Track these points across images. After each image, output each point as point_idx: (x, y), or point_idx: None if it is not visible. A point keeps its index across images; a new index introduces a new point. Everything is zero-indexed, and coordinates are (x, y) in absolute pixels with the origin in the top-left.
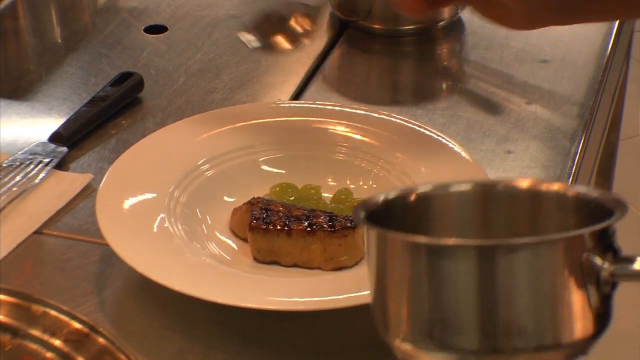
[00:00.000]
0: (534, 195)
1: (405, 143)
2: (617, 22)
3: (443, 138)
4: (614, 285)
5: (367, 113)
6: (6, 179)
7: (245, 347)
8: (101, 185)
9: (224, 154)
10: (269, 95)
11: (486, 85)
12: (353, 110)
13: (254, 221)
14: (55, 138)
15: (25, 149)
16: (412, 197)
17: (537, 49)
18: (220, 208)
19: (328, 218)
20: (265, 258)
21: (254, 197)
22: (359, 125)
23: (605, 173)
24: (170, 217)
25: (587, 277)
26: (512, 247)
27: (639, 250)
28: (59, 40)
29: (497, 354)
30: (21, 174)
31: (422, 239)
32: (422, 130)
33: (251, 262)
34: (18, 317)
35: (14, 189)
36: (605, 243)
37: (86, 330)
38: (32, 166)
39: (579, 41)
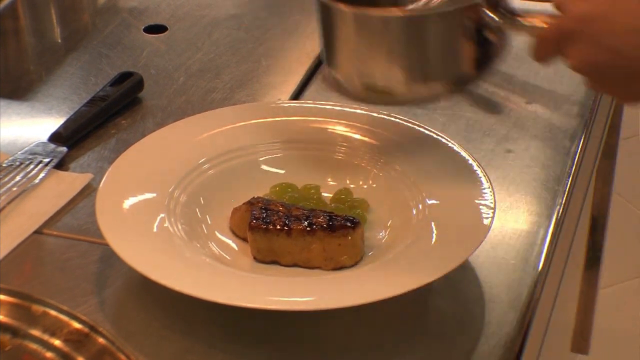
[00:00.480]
0: None
1: (405, 143)
2: None
3: (443, 138)
4: (500, 34)
5: (367, 113)
6: (6, 179)
7: (246, 346)
8: (101, 185)
9: (224, 153)
10: (268, 95)
11: (486, 85)
12: (353, 110)
13: (254, 221)
14: (55, 138)
15: (25, 148)
16: None
17: None
18: (220, 208)
19: (328, 218)
20: (265, 258)
21: (253, 197)
22: (358, 125)
23: (605, 173)
24: (170, 217)
25: (478, 24)
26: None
27: (638, 251)
28: (59, 40)
29: (418, 83)
30: (21, 174)
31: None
32: (422, 130)
33: (251, 261)
34: (18, 317)
35: (14, 188)
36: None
37: (86, 330)
38: (32, 166)
39: None
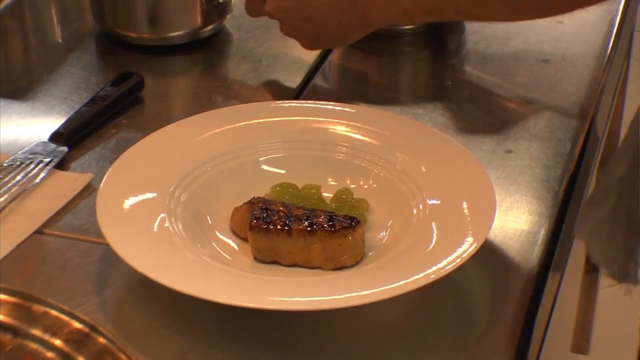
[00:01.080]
0: None
1: (406, 143)
2: (617, 22)
3: (444, 138)
4: None
5: (368, 113)
6: (7, 179)
7: (246, 346)
8: (101, 184)
9: (225, 153)
10: (269, 95)
11: (487, 85)
12: (353, 110)
13: (255, 221)
14: (55, 138)
15: (26, 148)
16: None
17: (537, 49)
18: (221, 208)
19: (328, 218)
20: (266, 258)
21: (254, 197)
22: (359, 124)
23: (606, 173)
24: (170, 217)
25: None
26: None
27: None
28: (60, 40)
29: None
30: (22, 174)
31: None
32: (422, 129)
33: (251, 261)
34: (19, 317)
35: (15, 188)
36: None
37: (87, 330)
38: (32, 166)
39: (580, 41)
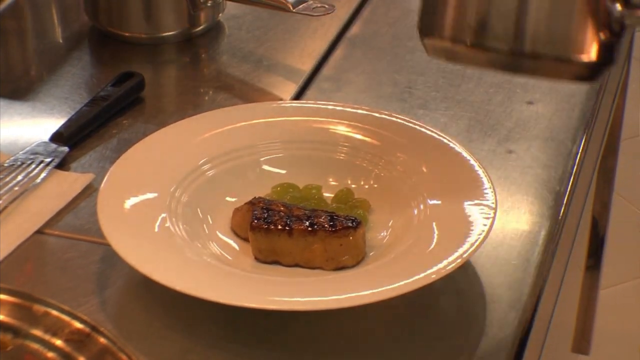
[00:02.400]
0: None
1: (407, 143)
2: None
3: (444, 138)
4: (622, 27)
5: (368, 113)
6: (7, 179)
7: (247, 347)
8: (102, 185)
9: (225, 153)
10: (270, 95)
11: (487, 85)
12: (354, 110)
13: (255, 221)
14: (56, 138)
15: (27, 148)
16: None
17: None
18: (222, 208)
19: (329, 218)
20: (267, 258)
21: (255, 197)
22: (360, 125)
23: (606, 173)
24: (171, 217)
25: (601, 12)
26: None
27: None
28: (60, 40)
29: (521, 57)
30: (22, 174)
31: None
32: (423, 130)
33: (252, 262)
34: (19, 317)
35: (16, 188)
36: None
37: (87, 330)
38: (33, 166)
39: None
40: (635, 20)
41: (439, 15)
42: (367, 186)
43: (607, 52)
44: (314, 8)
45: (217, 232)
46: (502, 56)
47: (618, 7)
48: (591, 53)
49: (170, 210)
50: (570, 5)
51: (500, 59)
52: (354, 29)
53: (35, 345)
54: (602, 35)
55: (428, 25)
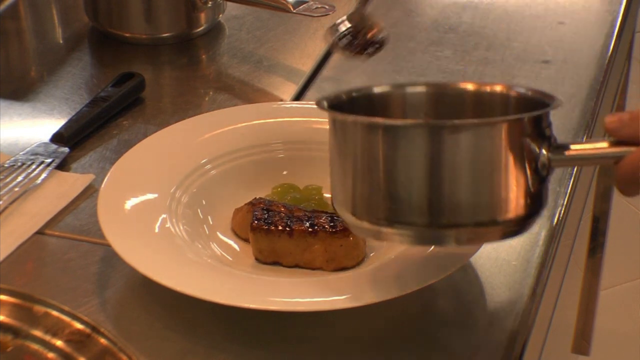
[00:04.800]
0: (479, 95)
1: None
2: (618, 23)
3: None
4: (549, 171)
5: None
6: (8, 180)
7: (247, 347)
8: (103, 185)
9: (226, 154)
10: (270, 96)
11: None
12: None
13: (256, 222)
14: (56, 138)
15: (27, 149)
16: (372, 94)
17: (538, 50)
18: (222, 208)
19: (329, 219)
20: (267, 259)
21: (255, 198)
22: None
23: (606, 173)
24: (171, 218)
25: (526, 161)
26: (458, 126)
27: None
28: (60, 41)
29: (440, 229)
30: (23, 175)
31: (379, 120)
32: None
33: (253, 262)
34: (19, 318)
35: (16, 189)
36: (543, 132)
37: (88, 330)
38: (33, 167)
39: (581, 42)
40: (563, 162)
41: (352, 193)
42: None
43: (537, 201)
44: (314, 9)
45: (218, 232)
46: (421, 230)
47: (544, 151)
48: (520, 209)
49: (171, 211)
50: (490, 167)
51: (417, 233)
52: None
53: (36, 346)
54: (530, 187)
55: (340, 202)
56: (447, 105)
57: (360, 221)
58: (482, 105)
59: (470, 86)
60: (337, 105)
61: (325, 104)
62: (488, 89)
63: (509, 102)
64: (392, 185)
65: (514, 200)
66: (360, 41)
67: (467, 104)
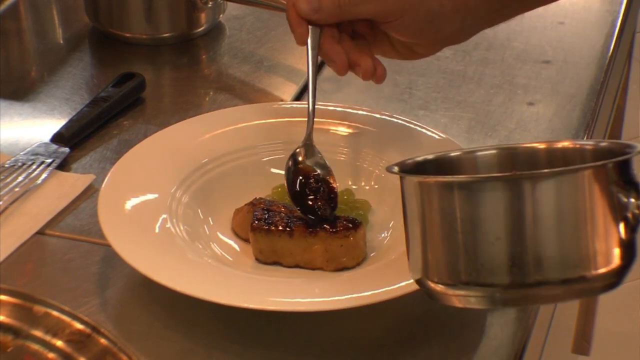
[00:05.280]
0: (551, 152)
1: (407, 144)
2: (618, 23)
3: (445, 139)
4: (639, 220)
5: (369, 114)
6: (8, 180)
7: (247, 347)
8: (103, 185)
9: (226, 154)
10: (270, 96)
11: (488, 86)
12: (355, 111)
13: (256, 222)
14: (57, 139)
15: (28, 149)
16: (443, 160)
17: (538, 50)
18: (222, 209)
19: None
20: (267, 259)
21: (256, 198)
22: (360, 126)
23: None
24: (172, 218)
25: (615, 210)
26: (538, 176)
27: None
28: (61, 41)
29: (524, 288)
30: (23, 175)
31: (454, 178)
32: (424, 131)
33: (253, 262)
34: (20, 318)
35: (16, 189)
36: (630, 179)
37: (88, 330)
38: (34, 167)
39: (581, 42)
40: None
41: (428, 257)
42: (367, 187)
43: (630, 251)
44: None
45: (218, 233)
46: (502, 290)
47: (632, 200)
48: (610, 262)
49: (171, 211)
50: (576, 221)
51: (500, 294)
52: None
53: (36, 346)
54: (621, 238)
55: (419, 270)
56: (521, 166)
57: (437, 286)
58: (557, 161)
59: (541, 145)
60: (405, 171)
61: (396, 169)
62: (559, 145)
63: (584, 155)
64: (472, 245)
65: (603, 253)
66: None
67: (541, 164)
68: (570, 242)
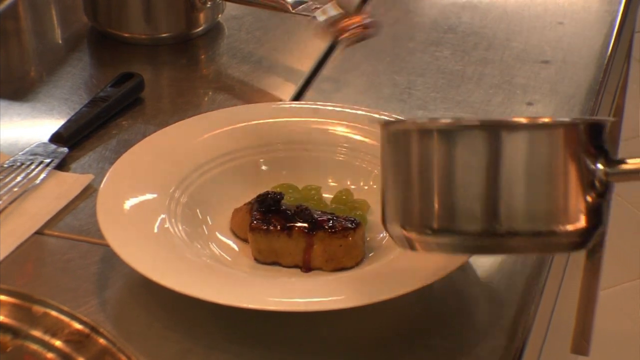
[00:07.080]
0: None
1: None
2: (617, 23)
3: None
4: (607, 186)
5: (368, 114)
6: (7, 180)
7: (246, 347)
8: (102, 185)
9: (225, 154)
10: (269, 96)
11: (487, 86)
12: (354, 111)
13: (255, 222)
14: (56, 139)
15: (26, 149)
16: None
17: (538, 50)
18: (221, 209)
19: (329, 219)
20: (266, 259)
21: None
22: (359, 125)
23: None
24: (170, 218)
25: (583, 172)
26: (515, 126)
27: (639, 253)
28: (60, 41)
29: (495, 237)
30: (22, 175)
31: (433, 123)
32: None
33: (252, 262)
34: (19, 318)
35: (15, 189)
36: (600, 145)
37: (87, 330)
38: (33, 167)
39: (580, 42)
40: (620, 177)
41: (402, 204)
42: (366, 187)
43: (596, 215)
44: (313, 9)
45: (217, 233)
46: (473, 238)
47: (600, 165)
48: (579, 221)
49: (170, 211)
50: (546, 173)
51: (472, 242)
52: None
53: (35, 346)
54: (588, 200)
55: (390, 216)
56: None
57: (410, 232)
58: None
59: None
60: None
61: (377, 118)
62: (540, 121)
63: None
64: (446, 192)
65: (570, 211)
66: (345, 24)
67: None
68: (541, 195)
